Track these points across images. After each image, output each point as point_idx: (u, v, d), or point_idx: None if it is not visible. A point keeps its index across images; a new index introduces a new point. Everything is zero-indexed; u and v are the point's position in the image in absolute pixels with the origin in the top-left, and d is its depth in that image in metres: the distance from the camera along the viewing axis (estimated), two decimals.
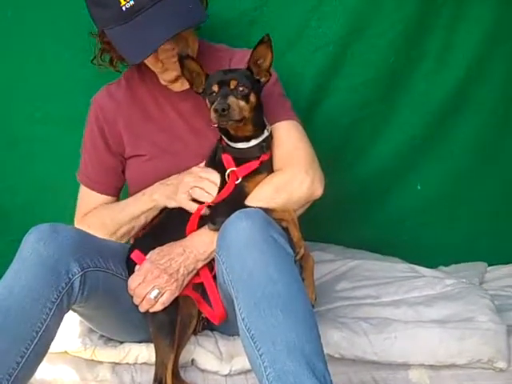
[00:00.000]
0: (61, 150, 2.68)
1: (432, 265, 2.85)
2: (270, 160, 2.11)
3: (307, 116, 2.55)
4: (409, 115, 2.75)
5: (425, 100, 2.72)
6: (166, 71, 2.20)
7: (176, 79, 2.24)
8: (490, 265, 2.87)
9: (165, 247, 2.03)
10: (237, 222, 1.81)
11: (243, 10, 2.58)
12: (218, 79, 1.99)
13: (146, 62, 2.14)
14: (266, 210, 1.93)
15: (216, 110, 1.91)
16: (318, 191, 2.08)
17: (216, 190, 2.06)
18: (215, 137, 2.17)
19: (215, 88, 1.98)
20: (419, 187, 2.88)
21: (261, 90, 2.06)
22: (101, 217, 2.27)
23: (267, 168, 2.09)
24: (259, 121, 2.07)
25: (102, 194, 2.33)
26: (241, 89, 1.97)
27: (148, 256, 2.03)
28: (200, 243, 2.00)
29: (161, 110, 2.31)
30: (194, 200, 2.07)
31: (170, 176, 2.18)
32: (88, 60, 2.33)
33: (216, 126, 2.01)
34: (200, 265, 2.01)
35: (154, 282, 1.95)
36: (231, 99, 1.94)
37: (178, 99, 2.30)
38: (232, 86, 1.97)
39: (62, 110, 2.66)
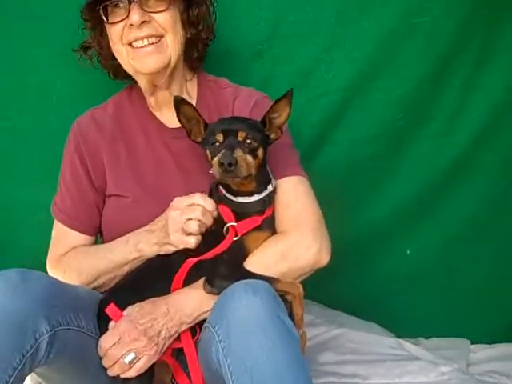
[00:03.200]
0: (29, 172, 2.42)
1: (412, 335, 2.72)
2: (273, 216, 1.91)
3: (302, 164, 2.34)
4: (409, 176, 2.60)
5: (428, 162, 2.58)
6: (136, 73, 1.98)
7: (154, 94, 2.03)
8: (472, 342, 2.71)
9: (146, 304, 1.79)
10: (242, 296, 1.58)
11: (249, 42, 2.38)
12: (223, 127, 1.78)
13: (112, 41, 1.94)
14: (270, 280, 1.74)
15: (221, 164, 1.70)
16: (325, 260, 1.89)
17: (211, 218, 1.83)
18: (208, 183, 1.94)
19: (219, 137, 1.77)
20: (408, 252, 2.72)
21: (268, 145, 1.86)
22: (79, 262, 2.02)
23: (269, 225, 1.90)
24: (264, 176, 1.88)
25: (81, 233, 2.07)
26: (249, 141, 1.76)
27: (125, 312, 1.80)
28: (187, 304, 1.79)
29: (151, 145, 2.07)
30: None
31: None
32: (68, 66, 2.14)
33: (218, 180, 1.79)
34: (183, 328, 1.79)
35: (130, 345, 1.72)
36: (238, 153, 1.73)
37: (172, 136, 2.06)
38: (240, 138, 1.76)
39: (32, 123, 2.39)
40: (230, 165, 1.69)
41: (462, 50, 2.43)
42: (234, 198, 1.85)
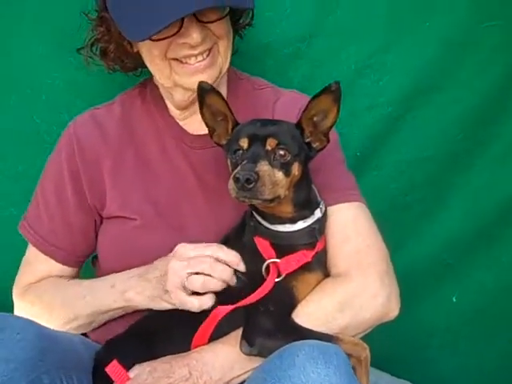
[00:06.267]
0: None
1: None
2: (324, 251, 1.51)
3: None
4: (463, 211, 2.21)
5: (484, 194, 2.18)
6: (176, 87, 1.59)
7: (191, 105, 1.64)
8: None
9: (160, 364, 1.43)
10: (308, 367, 1.18)
11: (286, 39, 2.00)
12: (250, 131, 1.39)
13: (150, 54, 1.57)
14: (330, 339, 1.35)
15: (237, 180, 1.30)
16: (394, 311, 1.54)
17: (230, 272, 1.42)
18: (238, 209, 1.56)
19: (244, 143, 1.39)
20: (455, 300, 2.32)
21: (310, 159, 1.46)
22: (51, 298, 1.66)
23: (321, 263, 1.51)
24: (305, 198, 1.49)
25: (59, 263, 1.67)
26: (281, 153, 1.37)
27: (133, 374, 1.43)
28: (215, 365, 1.42)
29: (167, 155, 1.69)
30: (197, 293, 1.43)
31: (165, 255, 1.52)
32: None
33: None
34: None
35: None
36: (263, 166, 1.33)
37: (194, 145, 1.67)
38: (269, 147, 1.37)
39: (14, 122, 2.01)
40: (247, 181, 1.30)
41: None
42: (270, 226, 1.45)
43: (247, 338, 1.39)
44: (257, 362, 1.39)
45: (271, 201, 1.36)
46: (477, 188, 2.17)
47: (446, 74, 2.04)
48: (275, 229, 1.46)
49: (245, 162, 1.35)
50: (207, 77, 1.55)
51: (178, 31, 1.49)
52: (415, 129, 2.07)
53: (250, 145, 1.39)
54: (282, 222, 1.45)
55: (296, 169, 1.40)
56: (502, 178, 2.17)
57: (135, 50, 1.63)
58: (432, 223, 2.22)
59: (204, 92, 1.44)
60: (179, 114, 1.68)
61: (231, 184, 1.34)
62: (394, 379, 2.34)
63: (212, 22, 1.52)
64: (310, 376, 1.16)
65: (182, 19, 1.46)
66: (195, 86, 1.53)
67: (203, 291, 1.43)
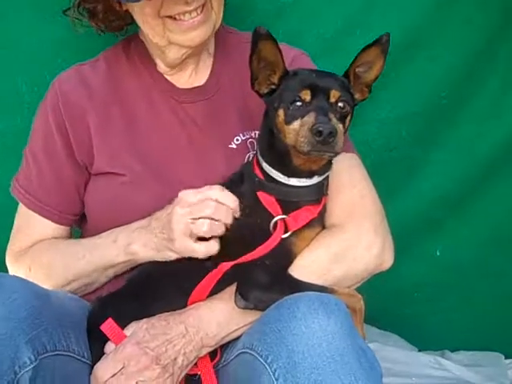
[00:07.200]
0: None
1: (435, 347, 2.44)
2: (324, 207, 1.50)
3: None
4: (446, 165, 2.23)
5: (468, 150, 2.20)
6: (170, 45, 1.55)
7: (183, 61, 1.60)
8: (506, 357, 2.39)
9: (156, 320, 1.41)
10: (309, 318, 1.18)
11: None
12: (310, 82, 1.35)
13: (142, 13, 1.52)
14: (325, 291, 1.35)
15: (319, 133, 1.26)
16: (388, 262, 1.55)
17: (232, 215, 1.40)
18: (228, 163, 1.56)
19: (306, 95, 1.34)
20: (438, 253, 2.36)
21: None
22: (49, 259, 1.62)
23: (322, 219, 1.50)
24: None
25: (53, 222, 1.65)
26: (341, 105, 1.34)
27: (129, 331, 1.41)
28: (211, 321, 1.40)
29: (154, 111, 1.65)
30: (202, 239, 1.41)
31: (154, 212, 1.49)
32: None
33: (300, 152, 1.33)
34: (204, 352, 1.42)
35: (138, 376, 1.34)
36: (334, 119, 1.31)
37: (183, 99, 1.64)
38: (333, 99, 1.34)
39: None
40: (330, 134, 1.27)
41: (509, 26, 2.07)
42: (286, 181, 1.42)
43: (242, 293, 1.38)
44: (252, 316, 1.39)
45: (337, 154, 1.35)
46: (461, 143, 2.19)
47: (430, 31, 2.04)
48: (288, 183, 1.42)
49: (313, 114, 1.31)
50: (202, 32, 1.52)
51: None
52: (400, 84, 2.07)
53: (312, 97, 1.34)
54: (301, 175, 1.42)
55: (349, 121, 1.40)
56: (485, 133, 2.18)
57: (124, 9, 1.58)
58: (416, 179, 2.25)
59: (259, 37, 1.36)
60: (168, 71, 1.65)
61: (307, 136, 1.29)
62: (381, 333, 2.39)
63: None
64: (311, 327, 1.17)
65: None
66: (190, 43, 1.51)
67: (209, 235, 1.40)
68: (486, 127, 2.18)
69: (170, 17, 1.50)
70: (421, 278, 2.39)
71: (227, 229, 1.40)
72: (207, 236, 1.39)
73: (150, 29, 1.54)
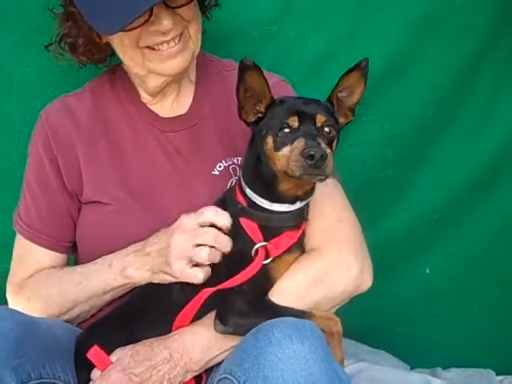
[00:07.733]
0: None
1: (428, 365, 2.44)
2: (304, 232, 1.54)
3: None
4: (431, 186, 2.27)
5: (453, 170, 2.24)
6: (150, 74, 1.59)
7: (162, 90, 1.64)
8: (497, 374, 2.40)
9: (141, 347, 1.45)
10: (284, 344, 1.22)
11: (256, 21, 2.00)
12: (297, 109, 1.38)
13: (121, 44, 1.57)
14: (302, 316, 1.38)
15: (310, 157, 1.29)
16: (367, 283, 1.57)
17: (228, 241, 1.44)
18: (212, 189, 1.59)
19: (293, 122, 1.37)
20: (428, 271, 2.38)
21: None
22: (47, 289, 1.66)
23: (301, 244, 1.53)
24: None
25: (49, 250, 1.70)
26: (327, 130, 1.38)
27: (114, 358, 1.45)
28: (195, 347, 1.44)
29: (139, 141, 1.70)
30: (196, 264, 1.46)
31: (141, 239, 1.54)
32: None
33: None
34: (189, 377, 1.46)
35: None
36: (323, 144, 1.34)
37: (165, 128, 1.69)
38: (319, 124, 1.38)
39: None
40: (321, 158, 1.30)
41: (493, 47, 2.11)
42: (269, 206, 1.45)
43: (221, 318, 1.41)
44: (234, 341, 1.42)
45: (326, 178, 1.37)
46: (447, 163, 2.21)
47: (415, 52, 2.07)
48: (271, 208, 1.45)
49: (302, 140, 1.34)
50: (181, 60, 1.56)
51: (148, 19, 1.50)
52: (385, 106, 2.10)
53: (300, 123, 1.38)
54: (284, 201, 1.45)
55: (335, 145, 1.43)
56: (471, 152, 2.21)
57: (104, 42, 1.63)
58: (404, 199, 2.27)
59: (245, 68, 1.40)
60: (151, 100, 1.70)
61: (299, 161, 1.32)
62: (372, 350, 2.39)
63: (181, 6, 1.53)
64: (286, 352, 1.20)
65: (152, 7, 1.47)
66: (171, 72, 1.56)
67: (207, 263, 1.44)
68: (472, 146, 2.21)
69: (149, 47, 1.54)
70: (412, 296, 2.40)
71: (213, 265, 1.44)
72: (205, 263, 1.44)
73: (130, 59, 1.58)
